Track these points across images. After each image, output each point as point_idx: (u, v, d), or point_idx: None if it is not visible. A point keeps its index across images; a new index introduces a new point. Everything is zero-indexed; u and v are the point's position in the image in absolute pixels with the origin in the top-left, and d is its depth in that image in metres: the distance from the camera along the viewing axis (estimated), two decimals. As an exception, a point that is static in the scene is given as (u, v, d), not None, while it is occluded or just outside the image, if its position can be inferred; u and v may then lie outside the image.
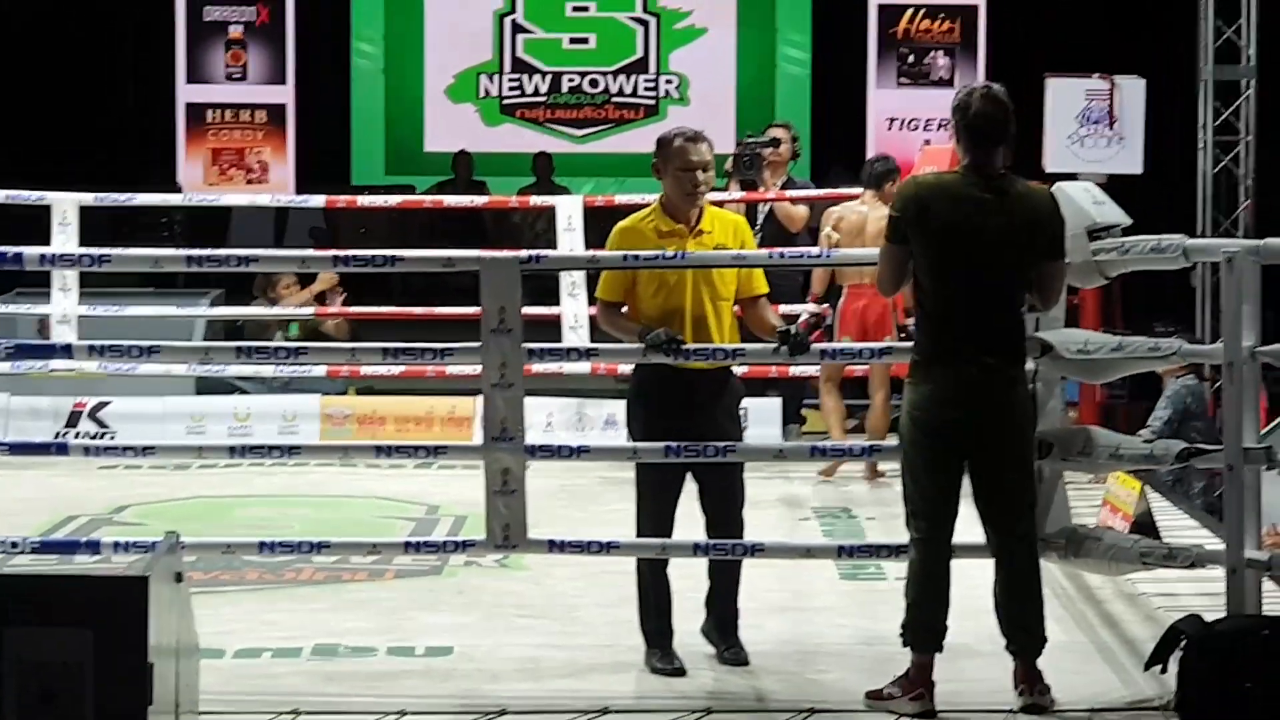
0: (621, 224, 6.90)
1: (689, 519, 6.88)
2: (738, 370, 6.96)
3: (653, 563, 6.77)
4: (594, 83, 17.50)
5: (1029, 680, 6.23)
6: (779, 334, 6.59)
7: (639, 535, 6.79)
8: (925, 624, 6.23)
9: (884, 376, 10.11)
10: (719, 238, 6.82)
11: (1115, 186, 8.33)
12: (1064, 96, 11.10)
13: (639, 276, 6.73)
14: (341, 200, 12.26)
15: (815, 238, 11.32)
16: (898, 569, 6.88)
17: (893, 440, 7.38)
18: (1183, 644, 5.81)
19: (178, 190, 14.90)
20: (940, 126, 15.32)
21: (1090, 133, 11.05)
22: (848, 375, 10.52)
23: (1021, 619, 6.25)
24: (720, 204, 10.99)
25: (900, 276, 6.30)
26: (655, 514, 6.80)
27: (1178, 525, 8.63)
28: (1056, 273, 6.32)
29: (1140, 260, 6.54)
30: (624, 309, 6.79)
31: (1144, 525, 7.71)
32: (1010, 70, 14.66)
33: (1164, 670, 5.77)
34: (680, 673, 6.63)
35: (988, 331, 6.17)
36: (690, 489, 6.87)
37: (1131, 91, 11.15)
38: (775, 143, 10.94)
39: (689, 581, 6.91)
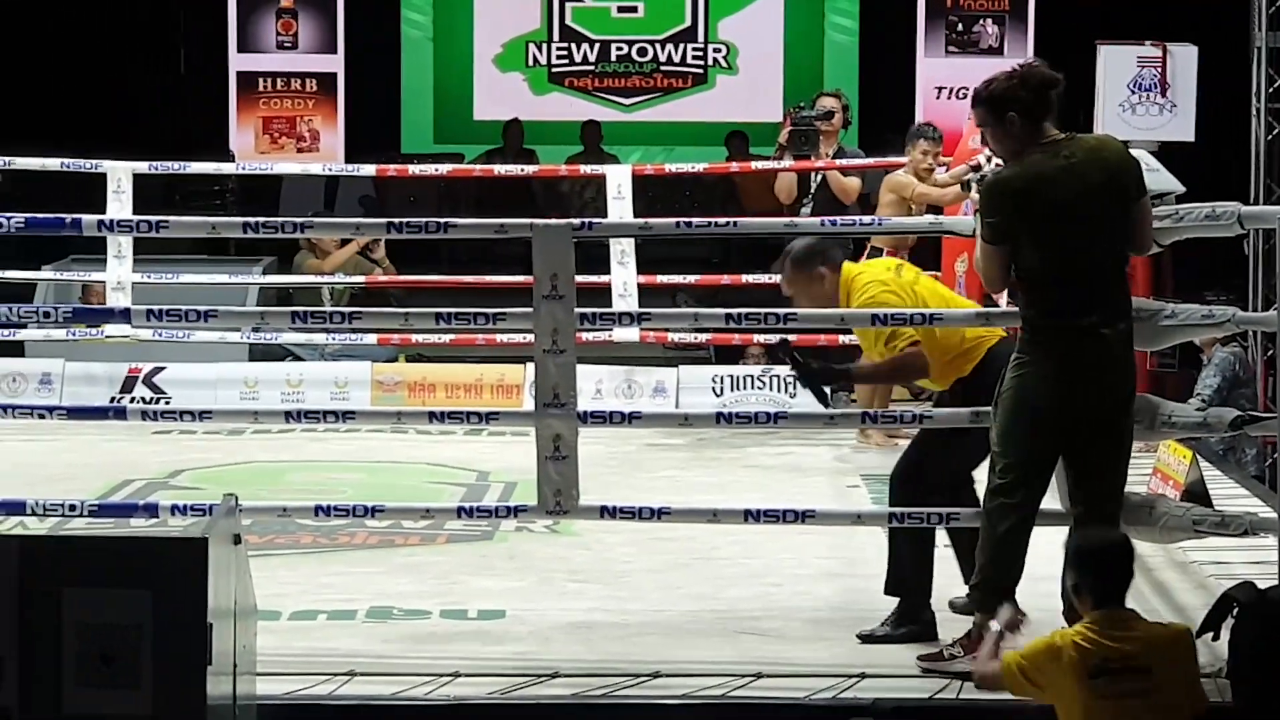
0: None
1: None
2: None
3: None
4: (642, 51, 17.49)
5: (1085, 645, 6.23)
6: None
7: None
8: (999, 587, 6.23)
9: None
10: None
11: (1167, 154, 8.32)
12: (1116, 64, 11.07)
13: None
14: (392, 169, 12.32)
15: (866, 206, 11.32)
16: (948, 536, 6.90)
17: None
18: (1235, 612, 5.80)
19: (230, 159, 14.97)
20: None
21: (1142, 100, 11.02)
22: None
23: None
24: (773, 173, 11.09)
25: (1007, 273, 6.22)
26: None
27: (1229, 494, 8.61)
28: (1147, 210, 6.28)
29: (1195, 228, 6.52)
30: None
31: (1196, 494, 7.69)
32: (1060, 38, 14.63)
33: (1216, 638, 5.77)
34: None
35: (1104, 297, 6.12)
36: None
37: (1184, 59, 11.12)
38: (829, 114, 10.93)
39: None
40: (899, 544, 6.80)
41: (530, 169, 13.83)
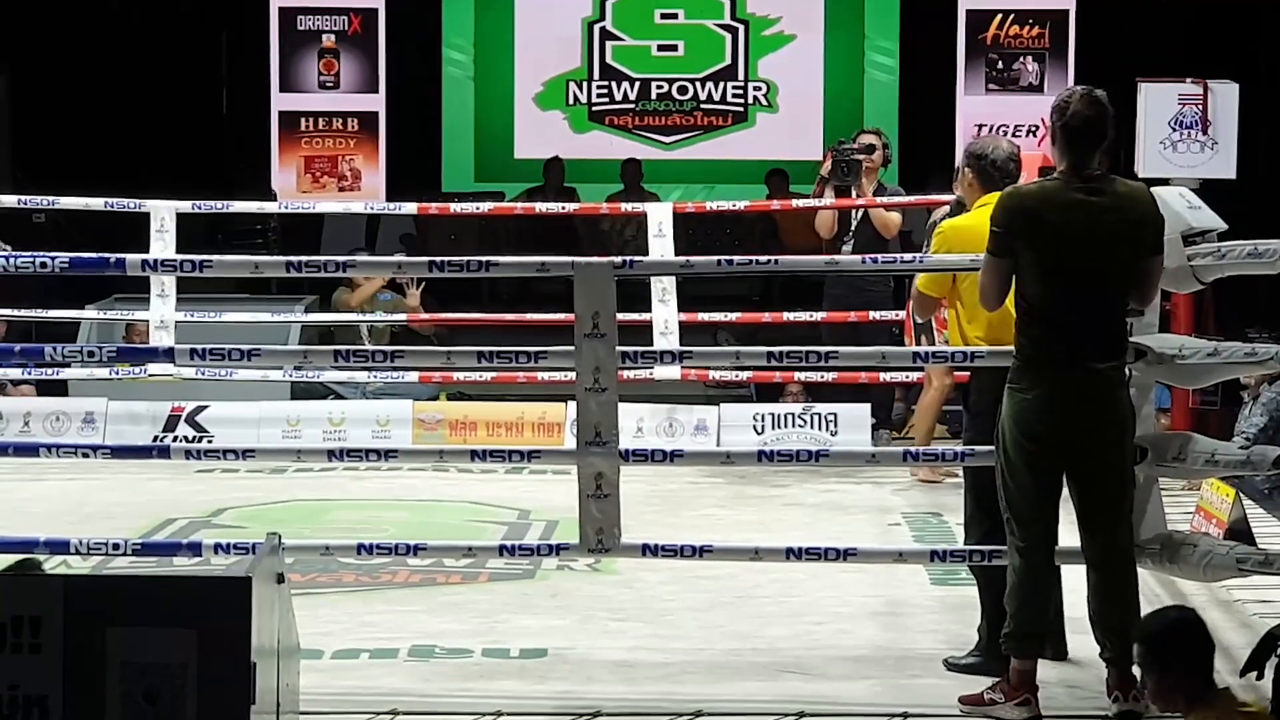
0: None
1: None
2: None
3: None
4: (682, 89, 17.53)
5: (1123, 687, 6.21)
6: None
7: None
8: (1030, 632, 6.22)
9: (941, 375, 10.07)
10: None
11: (1208, 191, 8.29)
12: (1157, 101, 11.04)
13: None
14: (433, 207, 12.35)
15: (907, 243, 11.33)
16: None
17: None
18: (1279, 650, 5.78)
19: (272, 197, 15.02)
20: (1030, 132, 15.26)
21: (1183, 137, 10.99)
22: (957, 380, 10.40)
23: (1118, 625, 6.24)
24: (814, 211, 11.10)
25: (1006, 289, 6.26)
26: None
27: (1273, 532, 8.58)
28: (1158, 268, 6.32)
29: (1237, 265, 6.52)
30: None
31: (1239, 532, 7.67)
32: (1101, 75, 14.57)
33: (1260, 677, 5.74)
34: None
35: (1099, 335, 6.16)
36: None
37: (1225, 96, 11.08)
38: (870, 149, 10.96)
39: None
40: (976, 576, 6.81)
41: (571, 207, 13.86)
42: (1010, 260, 6.19)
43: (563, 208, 13.42)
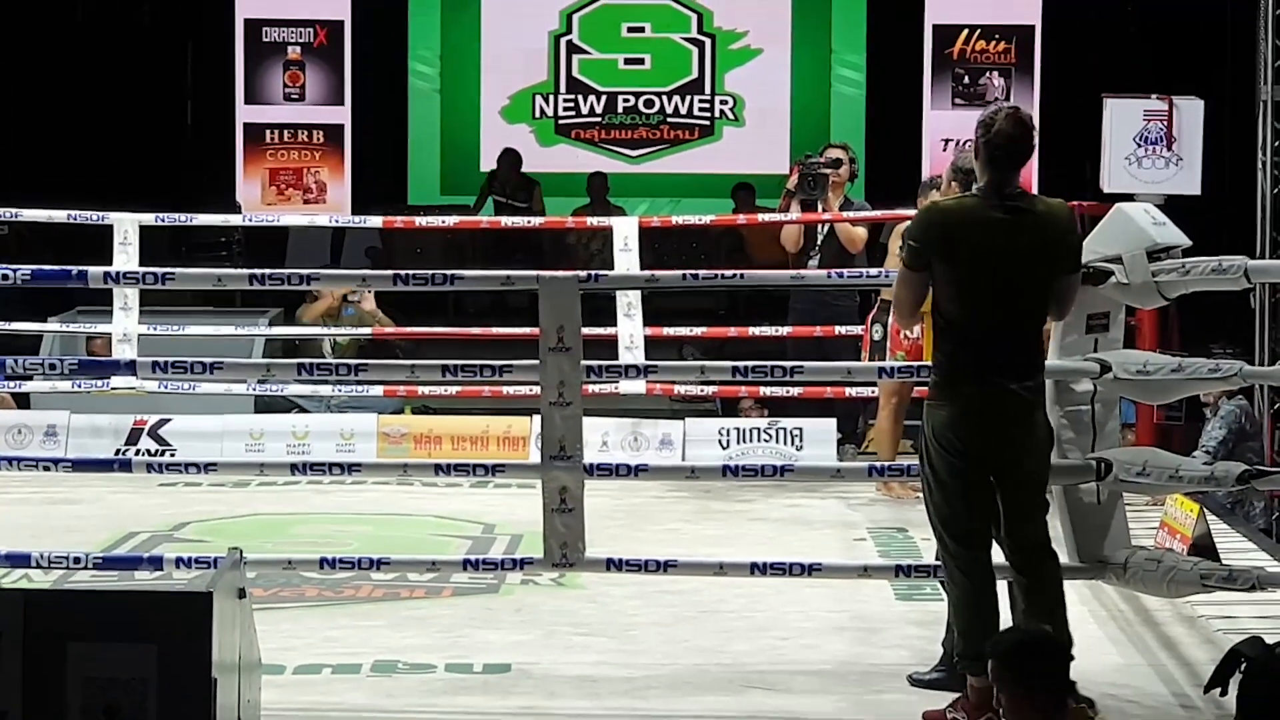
0: None
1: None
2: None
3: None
4: (649, 103, 17.54)
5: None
6: None
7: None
8: (977, 652, 6.19)
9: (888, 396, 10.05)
10: None
11: (1173, 207, 8.32)
12: (1122, 117, 11.09)
13: None
14: (399, 220, 12.33)
15: (872, 258, 11.34)
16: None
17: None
18: (1243, 666, 5.77)
19: (236, 210, 14.99)
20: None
21: (1148, 153, 11.03)
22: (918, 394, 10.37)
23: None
24: (779, 224, 11.11)
25: (921, 302, 6.26)
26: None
27: (1237, 548, 8.59)
28: (1074, 285, 6.31)
29: (1201, 281, 6.53)
30: None
31: (1203, 548, 7.67)
32: (1067, 91, 14.68)
33: (1224, 693, 5.74)
34: None
35: (1013, 352, 6.15)
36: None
37: (1190, 112, 11.12)
38: (837, 163, 10.97)
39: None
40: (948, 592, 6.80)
41: (537, 220, 13.84)
42: (926, 274, 6.18)
43: (528, 222, 13.42)
